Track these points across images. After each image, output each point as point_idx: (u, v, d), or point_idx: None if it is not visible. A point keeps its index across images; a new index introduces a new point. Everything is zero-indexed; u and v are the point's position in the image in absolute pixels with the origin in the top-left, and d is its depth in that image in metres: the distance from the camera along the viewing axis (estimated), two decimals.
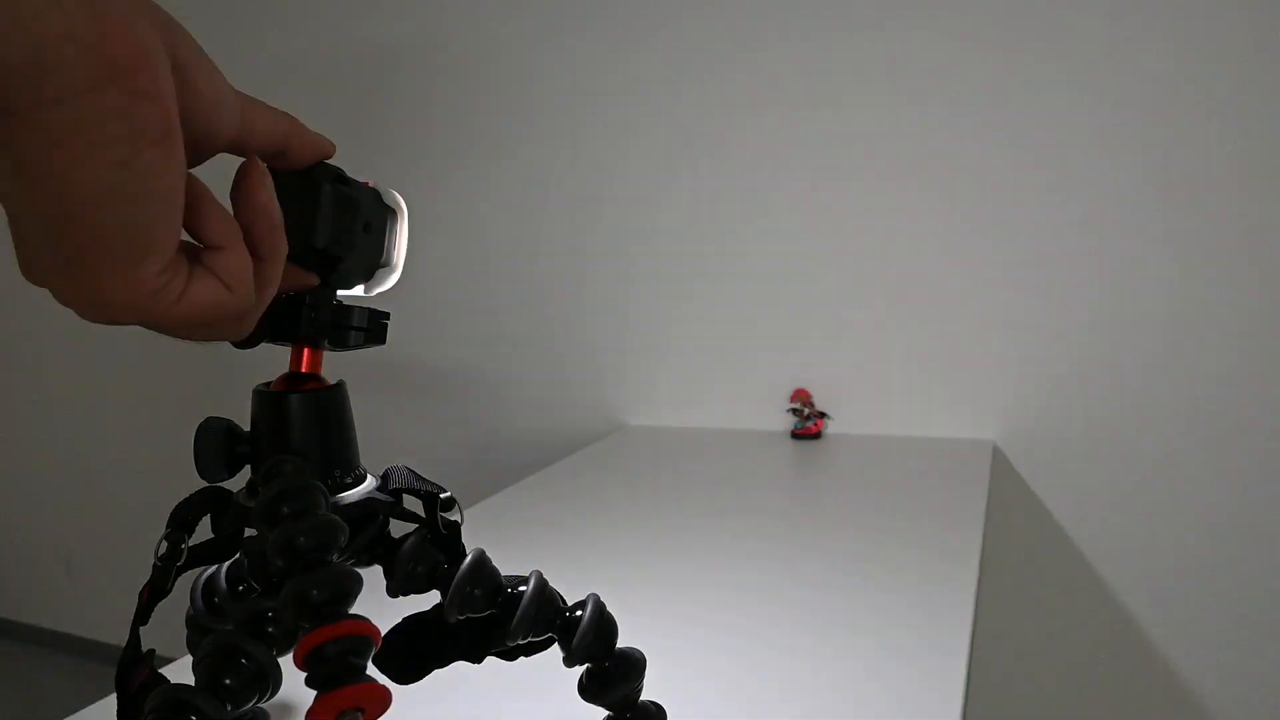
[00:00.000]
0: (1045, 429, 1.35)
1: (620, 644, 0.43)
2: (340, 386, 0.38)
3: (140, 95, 0.24)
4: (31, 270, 0.26)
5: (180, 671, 0.61)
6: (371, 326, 0.38)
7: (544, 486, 1.20)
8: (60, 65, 0.22)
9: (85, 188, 0.24)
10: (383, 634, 0.33)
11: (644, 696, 0.45)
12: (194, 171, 0.31)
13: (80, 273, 0.26)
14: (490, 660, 0.43)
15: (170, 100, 0.25)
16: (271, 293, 0.32)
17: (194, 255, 0.29)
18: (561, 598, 0.42)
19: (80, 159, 0.24)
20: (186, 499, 0.37)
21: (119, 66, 0.23)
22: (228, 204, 0.34)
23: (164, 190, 0.26)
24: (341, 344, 0.38)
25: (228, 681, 0.30)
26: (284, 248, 0.32)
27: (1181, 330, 1.26)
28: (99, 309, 0.27)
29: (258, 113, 0.32)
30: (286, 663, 0.32)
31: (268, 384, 0.38)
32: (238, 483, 0.38)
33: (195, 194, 0.28)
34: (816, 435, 1.44)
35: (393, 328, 0.39)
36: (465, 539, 0.41)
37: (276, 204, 0.32)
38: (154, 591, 0.36)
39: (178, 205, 0.27)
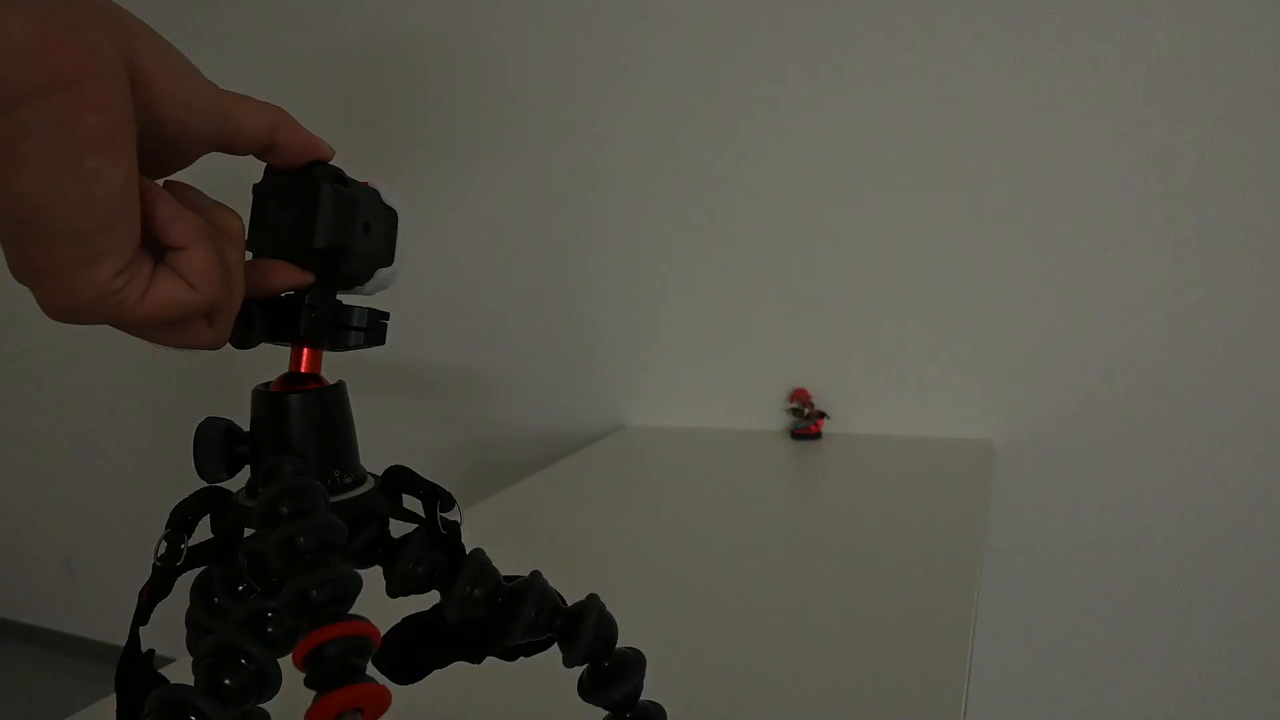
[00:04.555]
0: (1045, 429, 1.35)
1: (620, 644, 0.43)
2: (340, 386, 0.38)
3: (82, 104, 0.24)
4: (13, 270, 0.27)
5: (180, 671, 0.61)
6: (371, 326, 0.38)
7: (544, 486, 1.20)
8: None
9: (29, 196, 0.24)
10: (383, 634, 0.33)
11: (644, 696, 0.45)
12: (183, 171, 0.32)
13: (37, 276, 0.26)
14: (490, 660, 0.42)
15: (117, 107, 0.25)
16: (238, 287, 0.32)
17: (158, 254, 0.29)
18: (561, 598, 0.42)
19: (22, 168, 0.24)
20: (186, 499, 0.37)
21: (60, 77, 0.23)
22: (229, 201, 0.34)
23: (111, 196, 0.26)
24: (341, 344, 0.38)
25: (227, 682, 0.30)
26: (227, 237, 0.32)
27: (1182, 330, 1.26)
28: (58, 311, 0.27)
29: (243, 108, 0.32)
30: (286, 663, 0.32)
31: (267, 384, 0.38)
32: (238, 483, 0.38)
33: (150, 197, 0.28)
34: (816, 435, 1.44)
35: (393, 328, 0.39)
36: (465, 539, 0.41)
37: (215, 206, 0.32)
38: (154, 592, 0.36)
39: (129, 210, 0.26)
